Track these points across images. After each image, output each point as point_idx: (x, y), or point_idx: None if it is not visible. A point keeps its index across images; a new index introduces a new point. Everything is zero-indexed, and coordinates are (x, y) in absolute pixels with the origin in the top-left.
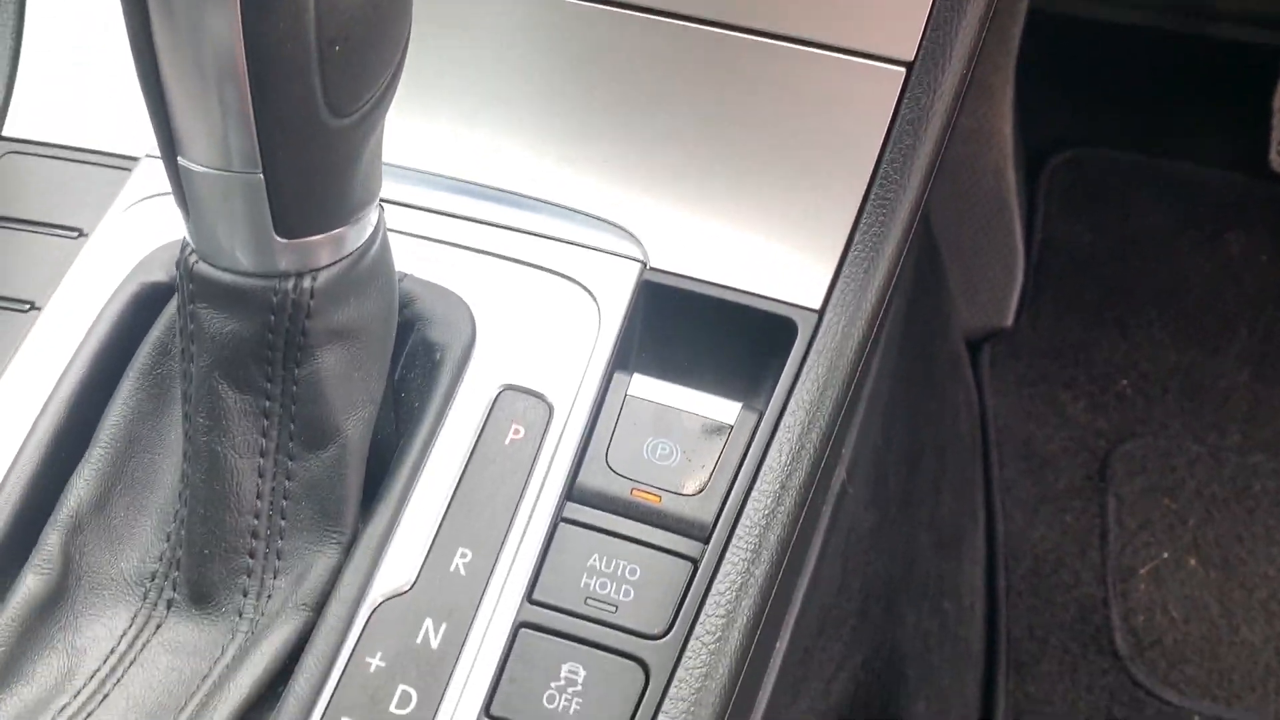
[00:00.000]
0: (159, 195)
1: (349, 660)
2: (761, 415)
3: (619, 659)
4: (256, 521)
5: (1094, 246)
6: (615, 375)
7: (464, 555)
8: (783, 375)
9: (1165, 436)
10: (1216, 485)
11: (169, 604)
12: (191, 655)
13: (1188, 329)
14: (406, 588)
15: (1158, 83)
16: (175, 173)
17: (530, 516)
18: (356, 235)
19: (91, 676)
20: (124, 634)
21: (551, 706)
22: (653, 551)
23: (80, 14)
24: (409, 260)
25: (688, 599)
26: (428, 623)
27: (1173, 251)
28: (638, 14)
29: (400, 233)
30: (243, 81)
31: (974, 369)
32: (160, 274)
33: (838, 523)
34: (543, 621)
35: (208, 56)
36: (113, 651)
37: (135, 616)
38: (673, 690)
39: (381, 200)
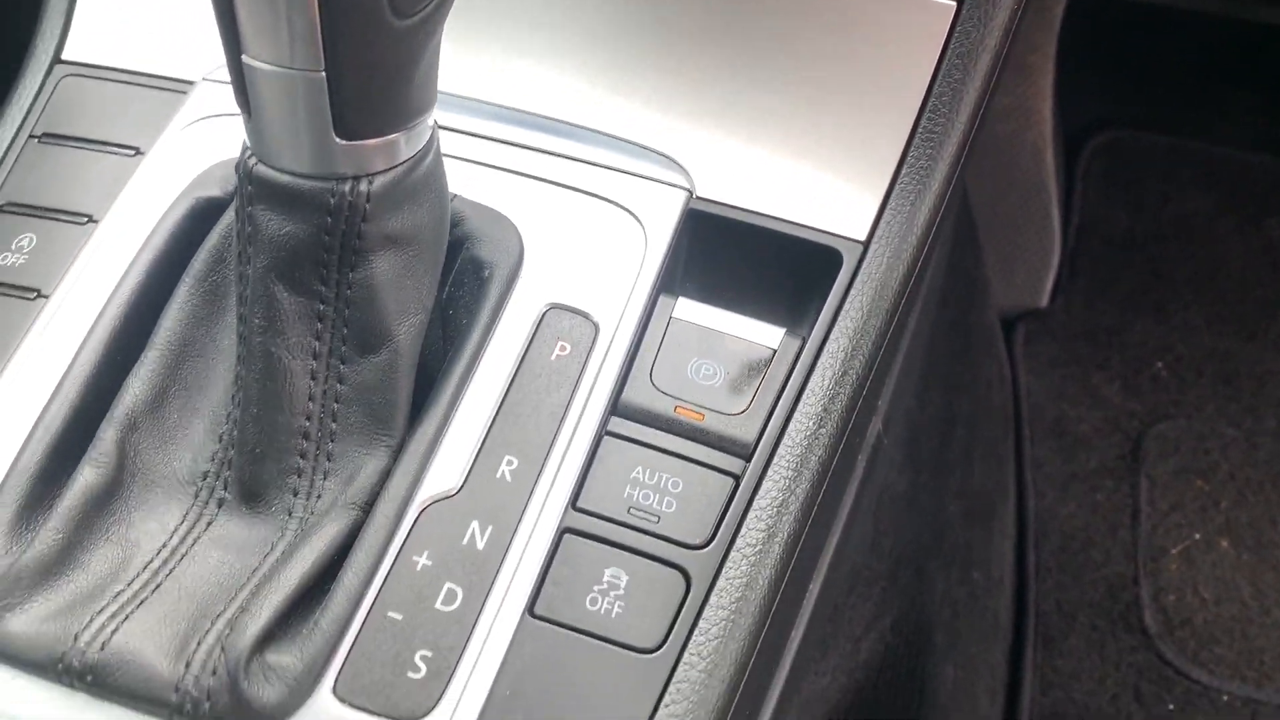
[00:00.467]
0: (214, 116)
1: (396, 558)
2: (805, 341)
3: (661, 566)
4: (308, 423)
5: (1131, 229)
6: (660, 298)
7: (510, 462)
8: (827, 303)
9: (1199, 420)
10: (1250, 469)
11: (220, 502)
12: (242, 551)
13: (1224, 313)
14: (453, 491)
15: (1199, 66)
16: (239, 71)
17: (575, 428)
18: (412, 143)
19: (144, 567)
20: (176, 529)
21: (594, 609)
22: (695, 466)
23: None
24: (459, 183)
25: (729, 513)
26: (474, 525)
27: (1211, 236)
28: None
29: (452, 157)
30: None
31: (1008, 347)
32: (215, 190)
33: (871, 477)
34: (586, 528)
35: None
36: (165, 545)
37: (187, 514)
38: (713, 599)
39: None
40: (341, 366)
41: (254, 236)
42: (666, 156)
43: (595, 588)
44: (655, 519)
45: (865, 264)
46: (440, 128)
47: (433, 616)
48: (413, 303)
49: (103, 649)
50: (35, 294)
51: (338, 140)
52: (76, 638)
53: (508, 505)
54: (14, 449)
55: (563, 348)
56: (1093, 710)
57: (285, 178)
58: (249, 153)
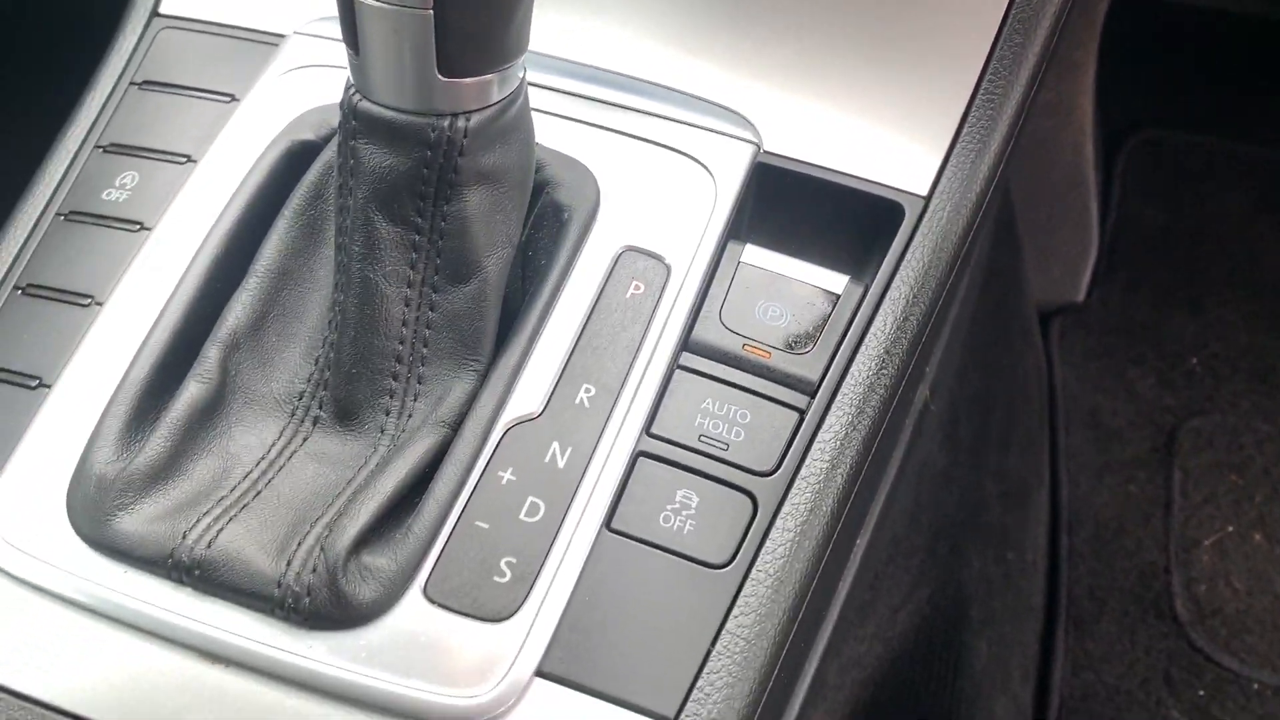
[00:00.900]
0: (307, 67)
1: (483, 473)
2: (868, 287)
3: (729, 490)
4: (401, 347)
5: (1169, 227)
6: (729, 244)
7: (588, 390)
8: (890, 252)
9: (1234, 415)
10: None
11: (315, 421)
12: (336, 464)
13: (1261, 311)
14: (535, 414)
15: (1239, 67)
16: (349, 8)
17: (649, 361)
18: (505, 85)
19: (244, 477)
20: (273, 444)
21: (666, 526)
22: (762, 400)
23: None
24: (541, 133)
25: (794, 444)
26: (554, 445)
27: (1248, 235)
28: None
29: (535, 110)
30: None
31: (1044, 340)
32: (309, 134)
33: (916, 445)
34: (659, 452)
35: None
36: (263, 458)
37: (284, 430)
38: (779, 521)
39: None
40: (434, 295)
41: (356, 169)
42: (736, 113)
43: (668, 507)
44: (724, 447)
45: (927, 217)
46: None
47: (517, 527)
48: (501, 236)
49: (209, 547)
50: (138, 226)
51: (440, 78)
52: (185, 535)
53: (586, 429)
54: (122, 367)
55: (637, 287)
56: (1123, 693)
57: (388, 113)
58: (353, 89)
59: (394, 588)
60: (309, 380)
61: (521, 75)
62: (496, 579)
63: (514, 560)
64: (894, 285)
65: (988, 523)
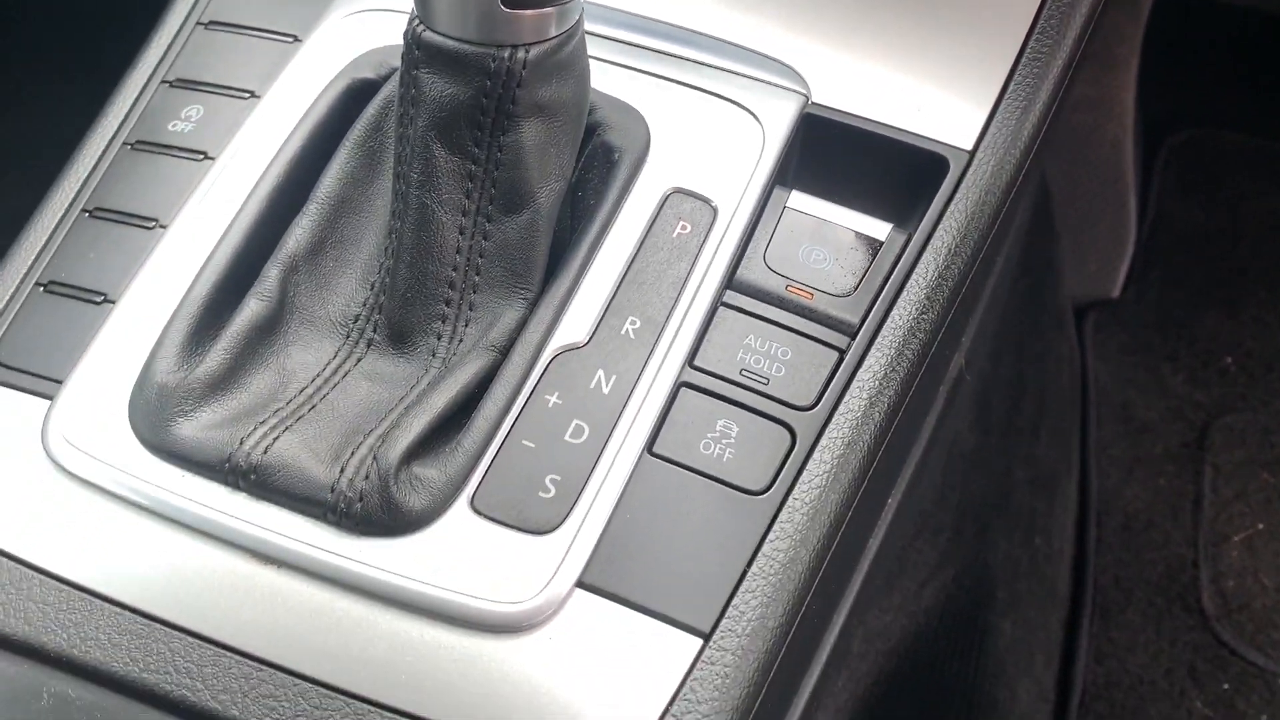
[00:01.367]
0: (369, 11)
1: (530, 396)
2: (911, 235)
3: (769, 422)
4: (454, 274)
5: (1207, 226)
6: (775, 190)
7: (633, 322)
8: (934, 203)
9: (1267, 414)
10: None
11: (369, 343)
12: (389, 383)
13: None
14: (582, 343)
15: None
16: None
17: (694, 297)
18: (563, 21)
19: (300, 392)
20: (329, 363)
21: (707, 453)
22: (803, 339)
23: None
24: (594, 78)
25: (833, 381)
26: (599, 373)
27: None
28: None
29: (589, 57)
30: None
31: (1078, 334)
32: (370, 72)
33: (948, 415)
34: (701, 384)
35: None
36: (319, 375)
37: (339, 351)
38: (817, 453)
39: None
40: (487, 224)
41: (417, 99)
42: (785, 65)
43: (708, 435)
44: (765, 381)
45: (971, 170)
46: None
47: (562, 447)
48: (554, 169)
49: (265, 453)
50: (203, 156)
51: (502, 9)
52: (242, 442)
53: (631, 358)
54: (185, 285)
55: (684, 227)
56: (1147, 683)
57: (451, 43)
58: (416, 20)
59: (443, 498)
60: (364, 304)
61: (580, 13)
62: (541, 494)
63: (558, 478)
64: (937, 234)
65: (1016, 507)
